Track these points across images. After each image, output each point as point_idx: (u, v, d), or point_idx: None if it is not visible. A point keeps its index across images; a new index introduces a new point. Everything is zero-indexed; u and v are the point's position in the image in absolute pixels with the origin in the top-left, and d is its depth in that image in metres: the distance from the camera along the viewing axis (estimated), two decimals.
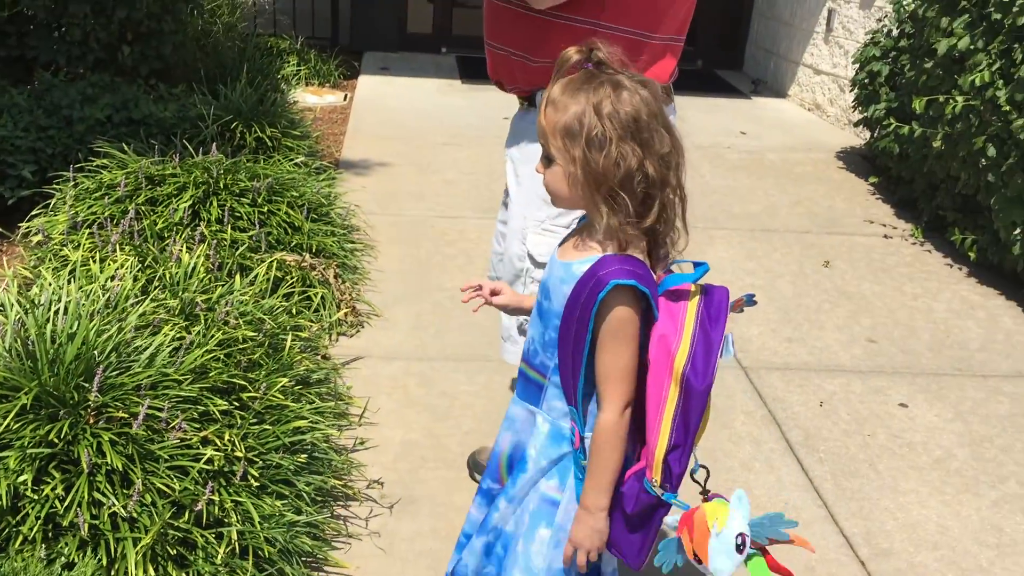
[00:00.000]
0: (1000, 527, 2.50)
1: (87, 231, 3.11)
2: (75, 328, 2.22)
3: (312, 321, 3.08)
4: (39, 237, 3.16)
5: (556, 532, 1.54)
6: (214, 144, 3.76)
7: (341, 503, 2.37)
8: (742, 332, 3.43)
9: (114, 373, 2.14)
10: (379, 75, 6.79)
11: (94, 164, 3.56)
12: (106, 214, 3.22)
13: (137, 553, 1.87)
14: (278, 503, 2.14)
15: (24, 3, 4.17)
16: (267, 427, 2.28)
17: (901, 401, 3.07)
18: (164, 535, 1.92)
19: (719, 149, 5.60)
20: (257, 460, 2.18)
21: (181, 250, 2.91)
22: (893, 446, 2.82)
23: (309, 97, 5.98)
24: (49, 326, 2.23)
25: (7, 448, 1.95)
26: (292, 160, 4.09)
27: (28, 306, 2.33)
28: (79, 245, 3.04)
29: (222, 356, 2.39)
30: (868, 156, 5.50)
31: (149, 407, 2.05)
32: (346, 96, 6.17)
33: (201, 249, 2.96)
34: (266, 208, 3.41)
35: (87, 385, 2.06)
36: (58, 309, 2.32)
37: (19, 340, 2.16)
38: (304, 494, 2.22)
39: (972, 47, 3.99)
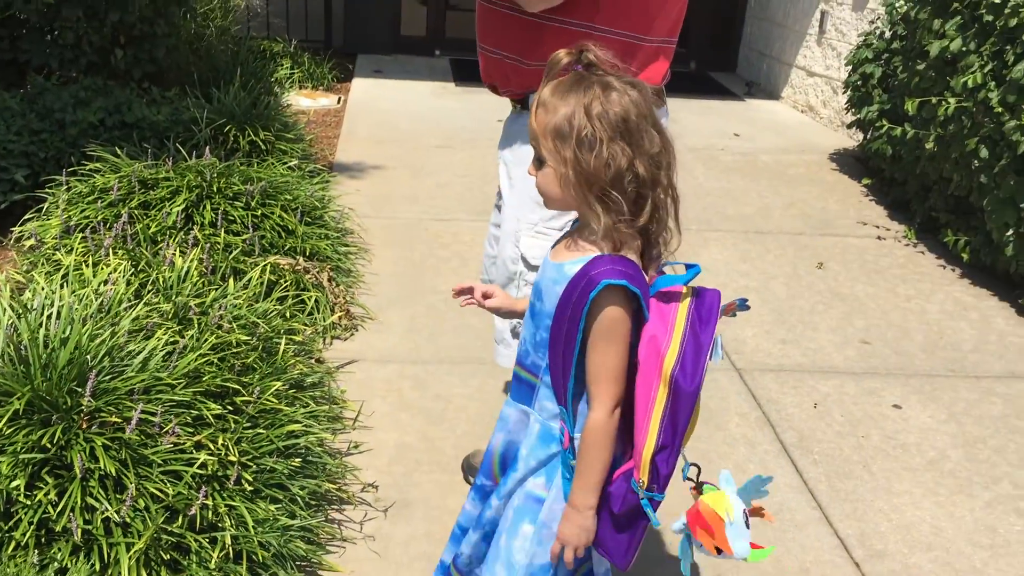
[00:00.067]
0: (994, 528, 2.51)
1: (80, 235, 3.11)
2: (68, 333, 2.21)
3: (306, 324, 3.08)
4: (32, 241, 3.15)
5: (539, 529, 1.55)
6: (207, 148, 3.75)
7: (335, 507, 2.37)
8: (736, 334, 3.44)
9: (107, 378, 2.14)
10: (373, 78, 6.79)
11: (87, 168, 3.56)
12: (99, 218, 3.21)
13: (130, 558, 1.86)
14: (272, 507, 2.13)
15: (17, 6, 4.16)
16: (261, 431, 2.28)
17: (895, 402, 3.08)
18: (157, 540, 1.92)
19: (713, 151, 5.61)
20: (251, 464, 2.17)
21: (174, 254, 2.91)
22: (887, 447, 2.83)
23: (303, 100, 5.98)
24: (42, 331, 2.22)
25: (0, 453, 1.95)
26: (286, 163, 4.09)
27: (21, 311, 2.32)
28: (72, 249, 3.03)
29: (216, 360, 2.38)
30: (861, 158, 5.51)
31: (142, 412, 2.04)
32: (340, 99, 6.17)
33: (194, 253, 2.95)
34: (260, 211, 3.41)
35: (80, 390, 2.05)
36: (51, 314, 2.31)
37: (11, 345, 2.15)
38: (298, 498, 2.22)
39: (964, 49, 4.01)
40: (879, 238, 4.47)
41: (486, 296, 1.73)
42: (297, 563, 2.12)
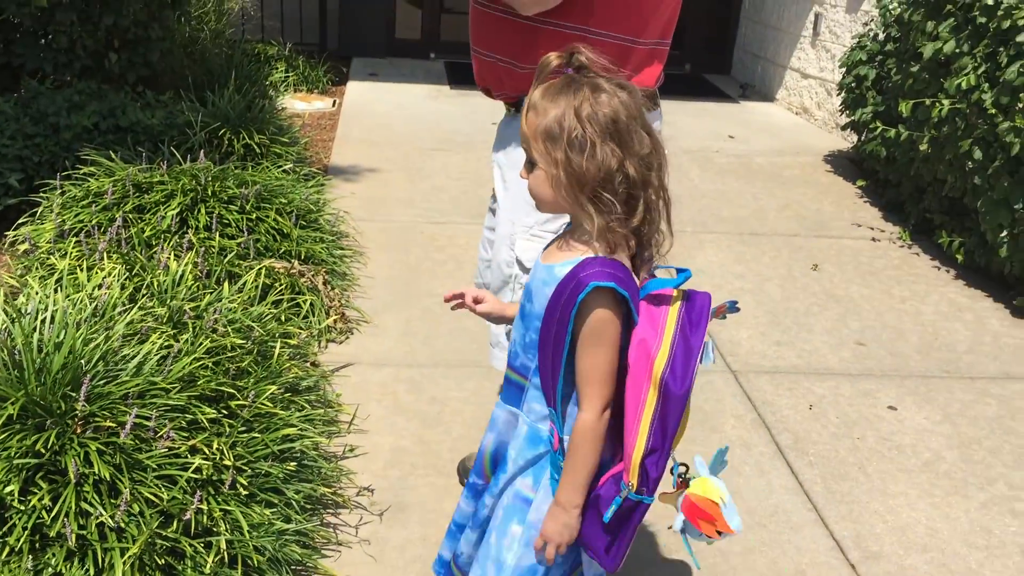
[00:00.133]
0: (989, 529, 2.51)
1: (74, 239, 3.10)
2: (62, 337, 2.21)
3: (301, 328, 3.08)
4: (26, 246, 3.15)
5: (527, 530, 1.56)
6: (202, 151, 3.75)
7: (331, 511, 2.37)
8: (731, 335, 3.44)
9: (101, 382, 2.13)
10: (368, 81, 6.78)
11: (81, 172, 3.55)
12: (93, 222, 3.21)
13: (125, 563, 1.86)
14: (267, 511, 2.13)
15: (10, 11, 4.16)
16: (256, 435, 2.27)
17: (890, 404, 3.08)
18: (152, 545, 1.91)
19: (707, 153, 5.62)
20: (246, 468, 2.17)
21: (169, 258, 2.90)
22: (882, 449, 2.83)
23: (297, 103, 5.97)
24: (36, 335, 2.22)
25: None
26: (280, 167, 4.08)
27: (15, 315, 2.32)
28: (66, 253, 3.02)
29: (210, 364, 2.38)
30: (855, 159, 5.52)
31: (137, 416, 2.04)
32: (335, 102, 6.16)
33: (189, 257, 2.95)
34: (254, 215, 3.41)
35: (74, 394, 2.04)
36: (45, 318, 2.31)
37: (5, 350, 2.14)
38: (293, 502, 2.21)
39: (957, 51, 4.02)
40: (874, 239, 4.47)
41: (477, 301, 1.74)
42: (292, 567, 2.12)
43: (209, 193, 3.37)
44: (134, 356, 2.25)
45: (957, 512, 2.57)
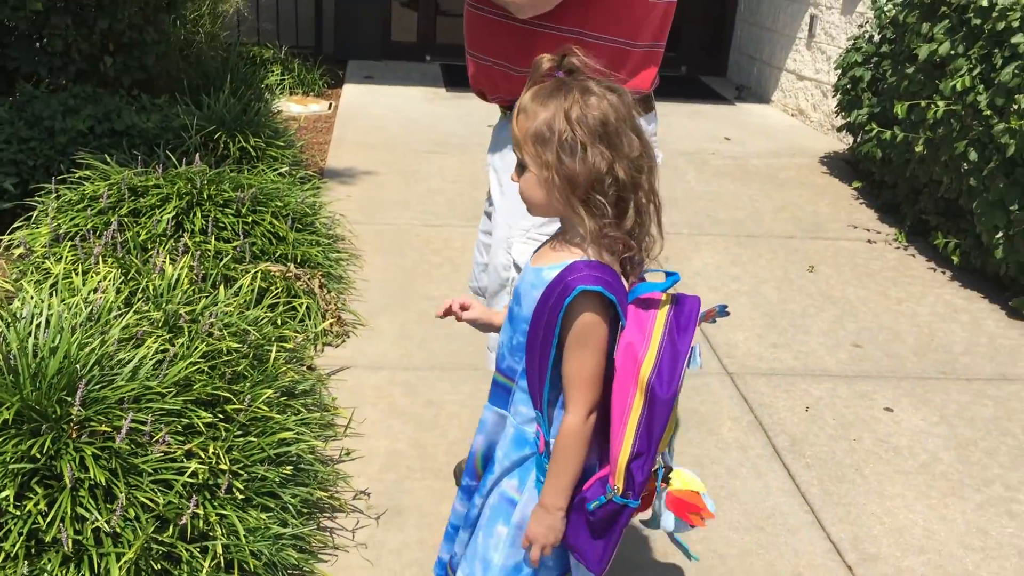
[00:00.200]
0: (986, 530, 2.51)
1: (69, 243, 3.09)
2: (57, 342, 2.20)
3: (297, 331, 3.07)
4: (21, 250, 3.14)
5: (512, 531, 1.56)
6: (197, 155, 3.74)
7: (327, 515, 2.36)
8: (728, 338, 3.44)
9: (97, 387, 2.13)
10: (363, 84, 6.78)
11: (76, 176, 3.55)
12: (89, 226, 3.20)
13: (121, 568, 1.85)
14: (263, 516, 2.12)
15: (5, 14, 4.15)
16: (252, 439, 2.27)
17: (886, 405, 3.08)
18: (148, 550, 1.91)
19: (704, 155, 5.62)
20: (242, 473, 2.17)
21: (164, 261, 2.90)
22: (879, 450, 2.83)
23: (293, 106, 5.97)
24: (31, 340, 2.21)
25: None
26: (276, 170, 4.08)
27: (10, 320, 2.31)
28: (61, 258, 3.02)
29: (206, 368, 2.38)
30: (851, 161, 5.53)
31: (132, 420, 2.03)
32: (330, 105, 6.16)
33: (185, 260, 2.94)
34: (250, 218, 3.40)
35: (70, 399, 2.04)
36: (40, 323, 2.30)
37: (0, 354, 2.14)
38: (290, 506, 2.21)
39: (952, 52, 4.02)
40: (870, 241, 4.48)
41: (464, 308, 1.74)
42: (289, 572, 2.12)
43: (205, 197, 3.37)
44: (130, 360, 2.25)
45: (954, 513, 2.57)
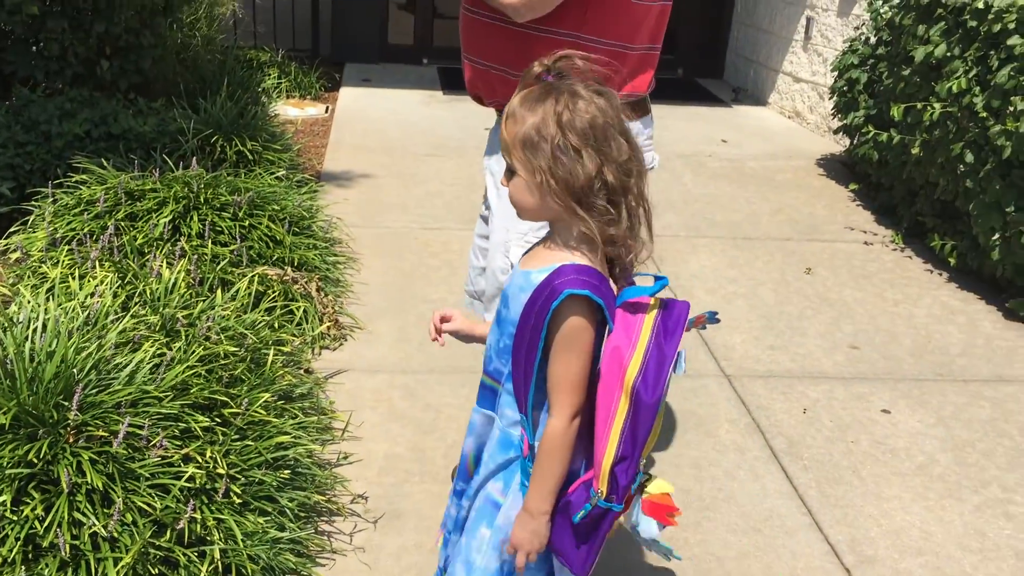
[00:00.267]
0: (983, 532, 2.51)
1: (66, 247, 3.09)
2: (54, 346, 2.20)
3: (294, 335, 3.07)
4: (18, 254, 3.14)
5: (496, 534, 1.56)
6: (194, 158, 3.75)
7: (325, 519, 2.36)
8: (725, 340, 3.44)
9: (94, 391, 2.12)
10: (361, 87, 6.78)
11: (73, 180, 3.54)
12: (85, 230, 3.20)
13: (118, 573, 1.85)
14: (261, 520, 2.12)
15: (1, 18, 4.15)
16: (249, 443, 2.27)
17: (883, 407, 3.08)
18: (145, 554, 1.91)
19: (700, 157, 5.63)
20: (239, 477, 2.16)
21: (161, 265, 2.90)
22: (876, 452, 2.83)
23: (290, 110, 5.97)
24: (28, 344, 2.21)
25: None
26: (273, 173, 4.08)
27: (6, 324, 2.31)
28: (58, 262, 3.01)
29: (203, 372, 2.37)
30: (848, 163, 5.54)
31: (129, 425, 2.03)
32: (327, 108, 6.16)
33: (182, 264, 2.94)
34: (247, 222, 3.40)
35: (67, 404, 2.04)
36: (37, 327, 2.30)
37: None
38: (287, 510, 2.21)
39: (949, 54, 4.03)
40: (866, 243, 4.48)
41: (444, 320, 1.74)
42: None
43: (202, 200, 3.36)
44: (127, 365, 2.25)
45: (951, 515, 2.57)
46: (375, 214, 4.40)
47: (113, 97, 4.42)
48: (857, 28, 5.66)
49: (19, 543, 1.85)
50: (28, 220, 3.41)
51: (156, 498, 1.97)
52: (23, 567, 1.86)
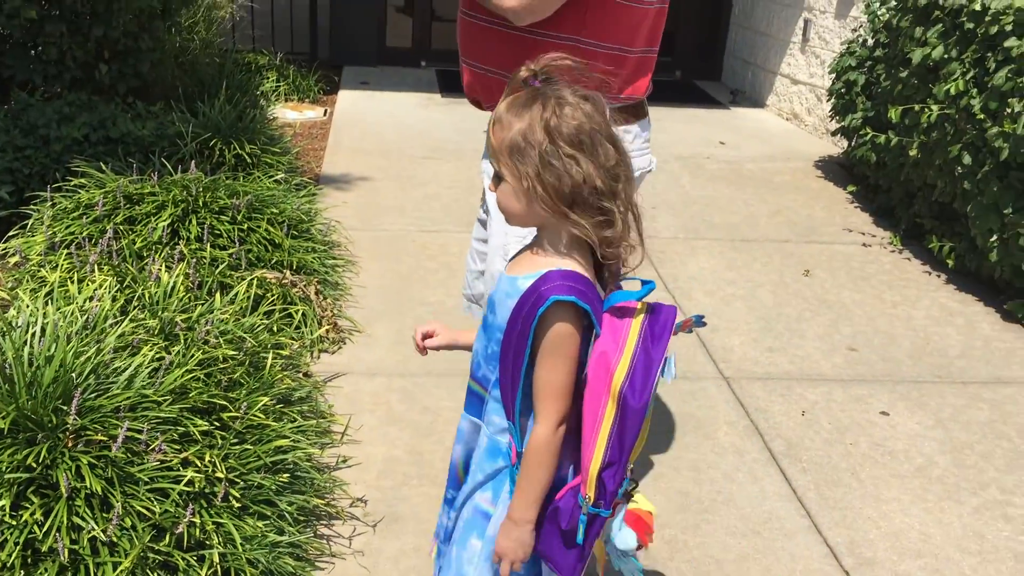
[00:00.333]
0: (982, 534, 2.52)
1: (65, 251, 3.09)
2: (53, 350, 2.20)
3: (293, 338, 3.07)
4: (16, 258, 3.14)
5: (487, 544, 1.55)
6: (193, 162, 3.74)
7: (324, 522, 2.36)
8: (723, 342, 3.45)
9: (92, 395, 2.12)
10: (359, 90, 6.79)
11: (72, 184, 3.54)
12: (84, 234, 3.20)
13: None
14: (260, 524, 2.12)
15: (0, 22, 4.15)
16: (248, 447, 2.27)
17: (882, 409, 3.09)
18: (144, 559, 1.91)
19: (699, 159, 5.63)
20: (238, 480, 2.16)
21: (160, 269, 2.90)
22: (875, 454, 2.84)
23: (289, 113, 5.97)
24: (27, 349, 2.21)
25: None
26: (272, 177, 4.08)
27: (5, 328, 2.31)
28: (57, 266, 3.01)
29: (202, 376, 2.37)
30: (846, 165, 5.54)
31: (128, 429, 2.03)
32: (326, 111, 6.16)
33: (180, 268, 2.94)
34: (246, 225, 3.40)
35: (65, 408, 2.04)
36: (35, 331, 2.30)
37: None
38: (286, 514, 2.21)
39: (946, 56, 4.04)
40: (865, 245, 4.49)
41: (427, 336, 1.74)
42: None
43: (200, 204, 3.37)
44: (125, 369, 2.25)
45: (950, 517, 2.57)
46: (373, 217, 4.41)
47: (112, 101, 4.42)
48: (855, 30, 5.67)
49: (18, 548, 1.85)
50: (27, 224, 3.41)
51: (155, 502, 1.97)
52: (22, 572, 1.86)
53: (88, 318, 2.47)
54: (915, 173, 4.37)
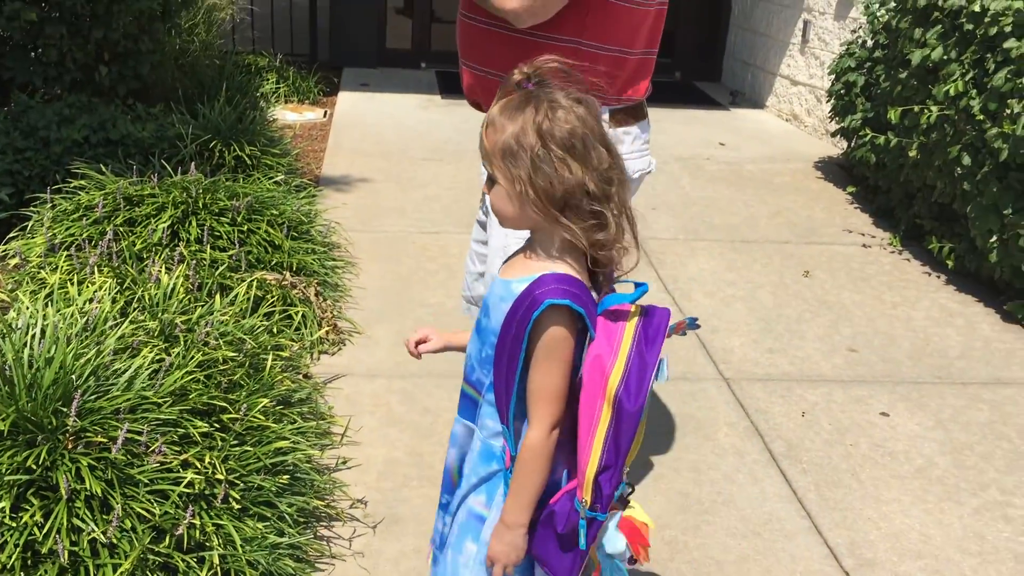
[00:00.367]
0: (982, 535, 2.52)
1: (65, 253, 3.09)
2: (53, 352, 2.20)
3: (293, 340, 3.07)
4: (16, 260, 3.14)
5: (482, 548, 1.55)
6: (193, 163, 3.75)
7: (324, 524, 2.36)
8: (724, 343, 3.45)
9: (92, 397, 2.12)
10: (359, 91, 6.79)
11: (72, 185, 3.54)
12: (84, 236, 3.20)
13: None
14: (260, 525, 2.12)
15: (0, 24, 4.15)
16: (248, 448, 2.27)
17: (882, 410, 3.09)
18: (144, 561, 1.91)
19: (698, 160, 5.63)
20: (238, 482, 2.16)
21: (160, 271, 2.90)
22: (875, 455, 2.84)
23: (289, 114, 5.97)
24: (26, 350, 2.21)
25: None
26: (272, 178, 4.08)
27: (5, 330, 2.31)
28: (57, 268, 3.01)
29: (202, 377, 2.37)
30: (845, 166, 5.55)
31: (128, 431, 2.03)
32: (326, 113, 6.17)
33: (180, 269, 2.94)
34: (246, 227, 3.40)
35: (65, 410, 2.04)
36: (35, 333, 2.30)
37: None
38: (286, 515, 2.21)
39: (945, 57, 4.04)
40: (864, 246, 4.49)
41: (421, 342, 1.74)
42: None
43: (200, 205, 3.37)
44: (125, 370, 2.25)
45: (950, 518, 2.57)
46: (373, 218, 4.41)
47: (112, 103, 4.42)
48: (854, 31, 5.67)
49: (18, 550, 1.85)
50: (27, 226, 3.42)
51: (155, 504, 1.97)
52: (22, 573, 1.86)
53: (88, 320, 2.47)
54: (915, 174, 4.38)
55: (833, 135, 5.67)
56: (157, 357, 2.37)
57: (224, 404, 2.32)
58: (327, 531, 2.34)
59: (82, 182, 3.55)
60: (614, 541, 1.50)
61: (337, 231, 4.02)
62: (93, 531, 1.88)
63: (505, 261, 1.56)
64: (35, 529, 1.87)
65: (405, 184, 4.91)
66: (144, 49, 4.56)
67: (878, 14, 5.04)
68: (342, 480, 2.52)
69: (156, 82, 4.83)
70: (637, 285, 1.48)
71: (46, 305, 2.61)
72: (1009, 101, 3.61)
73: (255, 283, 3.12)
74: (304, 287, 3.27)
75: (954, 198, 4.09)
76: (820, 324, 3.65)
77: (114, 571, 1.86)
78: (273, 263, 3.37)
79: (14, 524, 1.88)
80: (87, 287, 2.81)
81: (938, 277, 4.18)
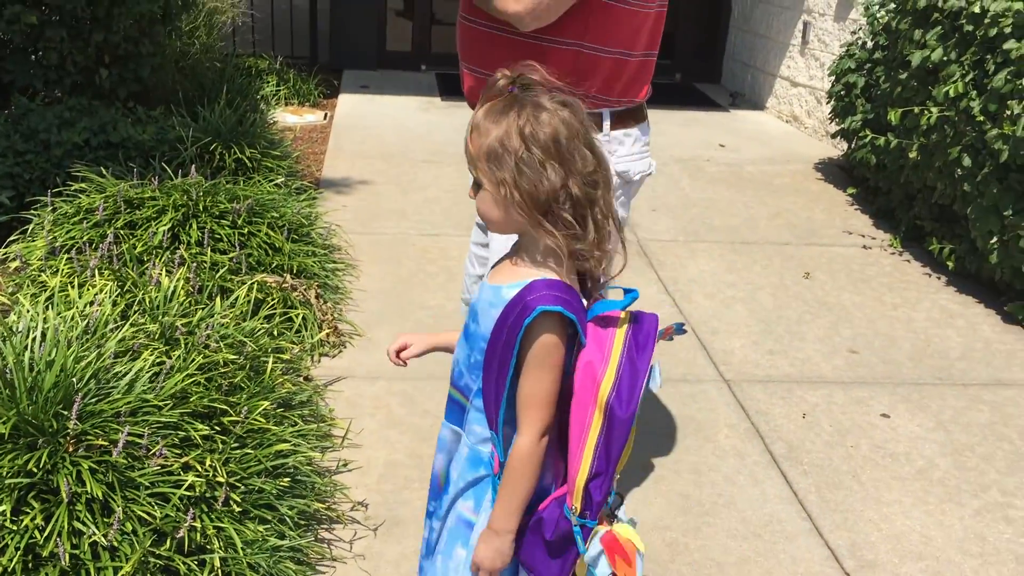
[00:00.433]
0: (983, 536, 2.52)
1: (65, 256, 3.10)
2: (53, 355, 2.20)
3: (294, 342, 3.07)
4: (17, 263, 3.14)
5: (471, 553, 1.54)
6: (193, 166, 3.75)
7: (325, 526, 2.36)
8: (724, 344, 3.45)
9: (93, 400, 2.13)
10: (359, 93, 6.79)
11: (72, 188, 3.55)
12: (85, 239, 3.20)
13: None
14: (261, 528, 2.12)
15: (0, 27, 4.16)
16: (249, 451, 2.27)
17: (883, 411, 3.09)
18: (145, 563, 1.91)
19: (698, 162, 5.63)
20: (239, 485, 2.16)
21: (161, 273, 2.90)
22: (876, 457, 2.84)
23: (289, 117, 5.98)
24: (27, 353, 2.21)
25: None
26: (272, 180, 4.08)
27: (5, 334, 2.31)
28: (57, 271, 3.02)
29: (203, 380, 2.38)
30: (846, 167, 5.55)
31: (129, 434, 2.03)
32: (326, 115, 6.17)
33: (181, 272, 2.95)
34: (246, 229, 3.41)
35: (66, 413, 2.04)
36: (36, 336, 2.30)
37: None
38: (287, 518, 2.21)
39: (945, 58, 4.04)
40: (865, 247, 4.49)
41: (402, 349, 1.74)
42: None
43: (200, 208, 3.37)
44: (126, 373, 2.25)
45: (951, 519, 2.57)
46: (374, 221, 4.41)
47: (112, 105, 4.42)
48: (854, 33, 5.67)
49: (19, 553, 1.85)
50: (27, 229, 3.42)
51: (156, 507, 1.97)
52: None
53: (89, 323, 2.47)
54: (915, 175, 4.38)
55: (833, 136, 5.67)
56: (158, 360, 2.37)
57: (225, 407, 2.32)
58: (328, 533, 2.34)
59: (83, 185, 3.55)
60: (591, 546, 1.49)
61: (337, 233, 4.03)
62: (94, 534, 1.88)
63: (493, 266, 1.55)
64: (36, 532, 1.87)
65: (405, 186, 4.91)
66: (144, 52, 4.56)
67: (878, 15, 5.04)
68: (343, 482, 2.53)
69: (156, 85, 4.83)
70: (627, 291, 1.47)
71: (47, 308, 2.61)
72: (1009, 102, 3.61)
73: (256, 286, 3.12)
74: (304, 289, 3.27)
75: (954, 199, 4.09)
76: (820, 325, 3.65)
77: (115, 574, 1.86)
78: (273, 266, 3.37)
79: (15, 527, 1.88)
80: (88, 290, 2.81)
81: (938, 278, 4.18)
